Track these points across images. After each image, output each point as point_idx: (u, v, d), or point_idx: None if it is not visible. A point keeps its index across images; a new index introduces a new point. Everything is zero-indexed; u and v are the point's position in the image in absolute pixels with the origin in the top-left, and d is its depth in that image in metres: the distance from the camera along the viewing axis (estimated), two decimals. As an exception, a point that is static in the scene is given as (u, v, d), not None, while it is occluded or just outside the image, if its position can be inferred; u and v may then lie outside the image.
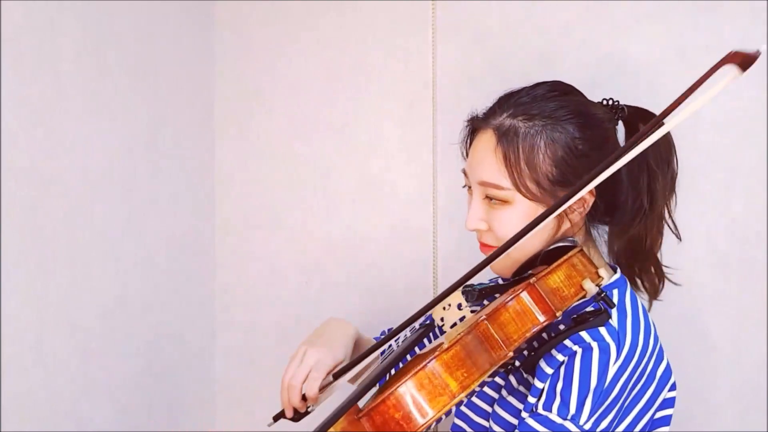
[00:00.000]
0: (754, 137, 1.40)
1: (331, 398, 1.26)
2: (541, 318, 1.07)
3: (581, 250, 1.17)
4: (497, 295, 1.21)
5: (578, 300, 1.13)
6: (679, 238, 1.31)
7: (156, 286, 1.69)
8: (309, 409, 1.25)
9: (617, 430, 1.11)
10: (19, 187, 1.37)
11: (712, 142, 1.42)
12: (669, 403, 1.19)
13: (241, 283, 1.84)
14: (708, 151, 1.43)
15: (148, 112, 1.66)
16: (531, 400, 1.11)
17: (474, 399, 1.25)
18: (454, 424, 1.28)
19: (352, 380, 1.27)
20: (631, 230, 1.24)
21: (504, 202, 1.17)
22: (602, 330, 1.09)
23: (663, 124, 1.01)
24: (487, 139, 1.19)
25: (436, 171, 1.64)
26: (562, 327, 1.13)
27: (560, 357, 1.10)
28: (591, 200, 1.19)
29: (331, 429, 1.02)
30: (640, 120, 1.25)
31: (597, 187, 1.17)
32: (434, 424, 1.05)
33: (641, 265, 1.28)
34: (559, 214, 1.17)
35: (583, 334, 1.09)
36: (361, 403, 1.05)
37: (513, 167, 1.15)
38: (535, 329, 1.06)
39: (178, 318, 1.76)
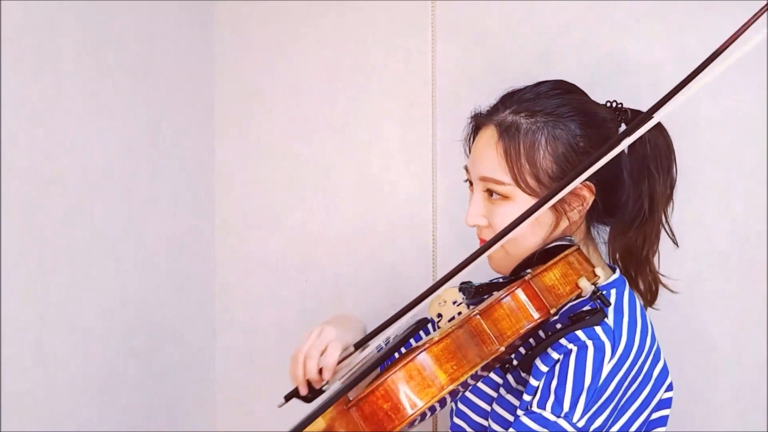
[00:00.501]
0: (754, 137, 1.40)
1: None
2: (536, 315, 1.07)
3: (578, 248, 1.17)
4: (491, 295, 1.21)
5: (573, 298, 1.13)
6: (676, 244, 1.31)
7: (156, 286, 1.69)
8: (324, 387, 1.23)
9: (612, 429, 1.12)
10: (19, 187, 1.37)
11: (712, 142, 1.43)
12: (666, 403, 1.19)
13: (241, 283, 1.84)
14: (708, 151, 1.43)
15: (148, 112, 1.66)
16: (526, 397, 1.12)
17: (473, 398, 1.25)
18: (454, 423, 1.29)
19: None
20: (630, 233, 1.24)
21: (504, 197, 1.17)
22: (598, 329, 1.10)
23: (652, 117, 1.01)
24: (489, 135, 1.20)
25: (436, 171, 1.64)
26: (558, 326, 1.13)
27: (555, 355, 1.10)
28: (590, 198, 1.19)
29: (320, 418, 1.02)
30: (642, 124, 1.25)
31: (597, 186, 1.18)
32: (429, 414, 1.05)
33: (637, 270, 1.28)
34: (557, 212, 1.17)
35: (579, 332, 1.10)
36: (351, 396, 1.05)
37: (513, 162, 1.16)
38: (529, 326, 1.07)
39: (178, 318, 1.76)
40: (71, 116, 1.47)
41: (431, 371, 1.01)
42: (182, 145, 1.75)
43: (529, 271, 1.15)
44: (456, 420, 1.28)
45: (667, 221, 1.28)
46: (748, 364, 1.42)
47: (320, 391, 1.22)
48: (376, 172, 1.70)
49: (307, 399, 1.23)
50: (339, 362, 1.20)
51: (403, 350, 1.30)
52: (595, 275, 1.15)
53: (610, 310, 1.13)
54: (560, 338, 1.10)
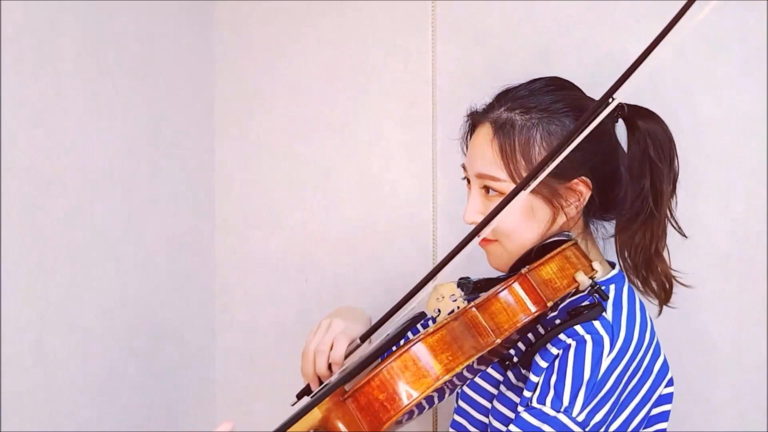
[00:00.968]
0: (754, 137, 1.40)
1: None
2: (533, 308, 1.08)
3: (575, 243, 1.18)
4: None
5: (572, 292, 1.14)
6: (684, 236, 1.31)
7: (156, 286, 1.69)
8: None
9: (613, 425, 1.12)
10: (19, 187, 1.37)
11: (712, 142, 1.42)
12: (666, 399, 1.20)
13: (241, 283, 1.84)
14: (708, 151, 1.43)
15: (148, 112, 1.66)
16: (526, 393, 1.12)
17: (474, 395, 1.25)
18: (454, 421, 1.29)
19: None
20: (634, 229, 1.25)
21: (501, 194, 1.18)
22: (596, 323, 1.11)
23: (613, 99, 1.02)
24: (484, 132, 1.21)
25: (436, 170, 1.64)
26: (557, 322, 1.14)
27: (555, 350, 1.11)
28: (587, 194, 1.20)
29: (315, 409, 1.02)
30: (640, 118, 1.26)
31: (593, 181, 1.18)
32: (428, 408, 1.05)
33: (648, 267, 1.28)
34: (554, 207, 1.18)
35: (577, 327, 1.10)
36: (348, 387, 1.05)
37: (509, 159, 1.17)
38: (526, 319, 1.07)
39: (178, 318, 1.76)
40: (71, 116, 1.47)
41: (426, 362, 1.01)
42: (182, 145, 1.75)
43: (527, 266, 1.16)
44: (456, 417, 1.28)
45: (672, 215, 1.28)
46: (748, 364, 1.42)
47: None
48: (376, 172, 1.69)
49: None
50: (346, 356, 1.22)
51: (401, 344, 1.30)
52: (593, 269, 1.16)
53: (609, 305, 1.14)
54: (559, 333, 1.11)
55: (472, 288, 1.20)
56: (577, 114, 1.19)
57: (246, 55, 1.80)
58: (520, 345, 1.22)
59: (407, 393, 1.00)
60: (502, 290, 1.08)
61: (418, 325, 1.36)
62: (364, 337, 1.23)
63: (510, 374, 1.21)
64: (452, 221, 1.63)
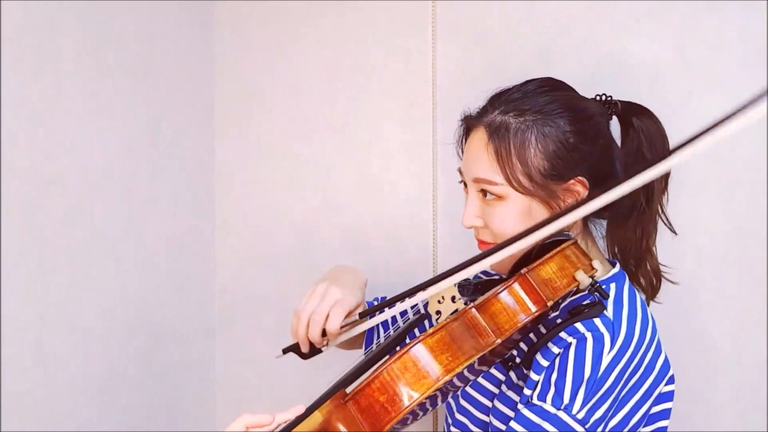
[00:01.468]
0: (754, 137, 1.40)
1: (318, 384, 1.25)
2: (533, 308, 1.08)
3: (575, 242, 1.18)
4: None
5: (573, 291, 1.14)
6: (674, 232, 1.32)
7: (156, 286, 1.69)
8: (323, 348, 1.24)
9: (612, 421, 1.12)
10: (19, 187, 1.37)
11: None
12: (667, 396, 1.20)
13: (241, 283, 1.84)
14: (708, 150, 1.43)
15: (148, 112, 1.66)
16: (527, 392, 1.13)
17: (475, 394, 1.26)
18: (456, 420, 1.29)
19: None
20: (628, 225, 1.25)
21: (498, 197, 1.18)
22: (597, 321, 1.11)
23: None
24: (479, 137, 1.20)
25: (436, 170, 1.64)
26: (558, 321, 1.14)
27: (556, 349, 1.11)
28: (584, 194, 1.20)
29: (317, 412, 1.02)
30: (634, 115, 1.26)
31: (590, 181, 1.18)
32: (431, 410, 1.05)
33: (638, 263, 1.29)
34: (551, 209, 1.18)
35: (578, 325, 1.11)
36: (348, 390, 1.05)
37: (505, 162, 1.16)
38: (526, 319, 1.07)
39: (178, 318, 1.76)
40: (71, 116, 1.47)
41: (426, 363, 1.01)
42: (182, 145, 1.75)
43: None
44: (458, 416, 1.29)
45: (663, 211, 1.28)
46: (748, 364, 1.42)
47: (318, 351, 1.25)
48: (376, 172, 1.69)
49: (305, 356, 1.25)
50: (342, 327, 1.22)
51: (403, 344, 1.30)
52: (593, 268, 1.16)
53: (610, 303, 1.14)
54: (560, 332, 1.11)
55: (472, 289, 1.20)
56: (571, 114, 1.18)
57: (246, 55, 1.80)
58: (522, 345, 1.22)
59: (408, 394, 1.00)
60: (502, 291, 1.08)
61: (419, 327, 1.36)
62: (364, 314, 1.23)
63: (512, 374, 1.21)
64: (452, 221, 1.63)
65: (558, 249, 1.14)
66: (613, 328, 1.11)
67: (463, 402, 1.28)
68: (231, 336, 1.85)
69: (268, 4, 1.77)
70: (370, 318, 1.25)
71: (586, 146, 1.18)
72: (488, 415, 1.22)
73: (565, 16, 1.51)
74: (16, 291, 1.37)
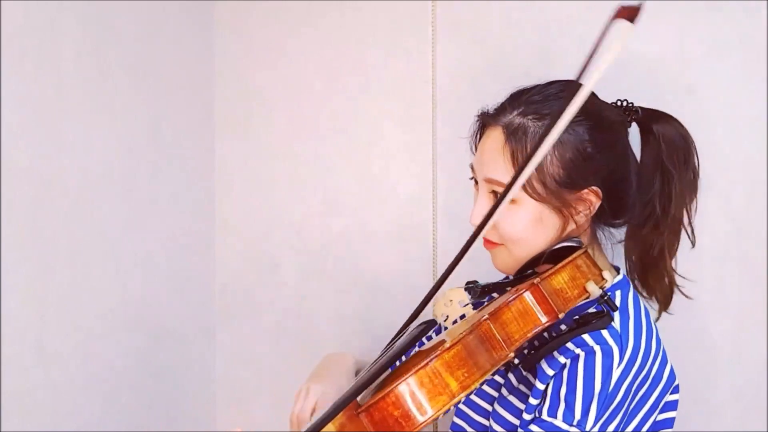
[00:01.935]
0: (754, 137, 1.40)
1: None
2: (543, 318, 1.07)
3: (586, 251, 1.17)
4: (495, 295, 1.21)
5: (581, 301, 1.12)
6: (693, 244, 1.29)
7: (156, 286, 1.69)
8: None
9: None
10: (19, 187, 1.37)
11: (713, 142, 1.42)
12: (672, 405, 1.19)
13: (241, 283, 1.83)
14: (708, 150, 1.43)
15: (149, 112, 1.66)
16: (532, 401, 1.11)
17: (474, 398, 1.25)
18: (454, 423, 1.28)
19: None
20: (643, 234, 1.23)
21: (510, 201, 1.17)
22: (605, 333, 1.09)
23: (581, 85, 0.99)
24: (495, 137, 1.18)
25: (436, 170, 1.64)
26: (564, 327, 1.13)
27: (562, 359, 1.09)
28: (597, 202, 1.18)
29: (330, 425, 1.02)
30: (654, 121, 1.24)
31: (603, 189, 1.17)
32: (433, 422, 1.05)
33: (653, 273, 1.27)
34: (564, 216, 1.16)
35: (586, 337, 1.09)
36: (361, 401, 1.05)
37: (520, 167, 1.15)
38: (536, 330, 1.06)
39: (178, 318, 1.76)
40: (71, 116, 1.47)
41: (442, 379, 1.00)
42: (182, 145, 1.75)
43: (534, 271, 1.15)
44: (456, 420, 1.28)
45: (690, 220, 1.25)
46: (748, 364, 1.42)
47: None
48: (376, 172, 1.69)
49: None
50: None
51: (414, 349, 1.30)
52: (603, 279, 1.14)
53: (616, 313, 1.12)
54: (567, 341, 1.09)
55: (479, 292, 1.19)
56: (590, 122, 1.16)
57: (246, 55, 1.80)
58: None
59: (423, 410, 1.00)
60: (513, 299, 1.07)
61: (430, 333, 1.35)
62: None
63: (511, 377, 1.20)
64: (452, 221, 1.63)
65: (570, 259, 1.13)
66: (621, 340, 1.09)
67: (461, 406, 1.27)
68: (231, 336, 1.85)
69: (268, 4, 1.77)
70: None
71: (602, 156, 1.16)
72: (488, 419, 1.22)
73: (565, 16, 1.50)
74: (16, 291, 1.36)
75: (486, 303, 1.23)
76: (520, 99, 1.19)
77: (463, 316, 1.15)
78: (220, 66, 1.83)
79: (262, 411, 1.81)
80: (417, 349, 1.33)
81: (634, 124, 1.27)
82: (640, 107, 1.25)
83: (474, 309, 1.16)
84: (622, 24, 0.92)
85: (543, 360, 1.11)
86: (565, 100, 0.99)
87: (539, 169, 1.14)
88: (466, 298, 1.12)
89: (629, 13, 0.92)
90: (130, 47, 1.60)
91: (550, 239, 1.18)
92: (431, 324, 1.20)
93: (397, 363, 1.23)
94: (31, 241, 1.39)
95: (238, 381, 1.85)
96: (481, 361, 1.03)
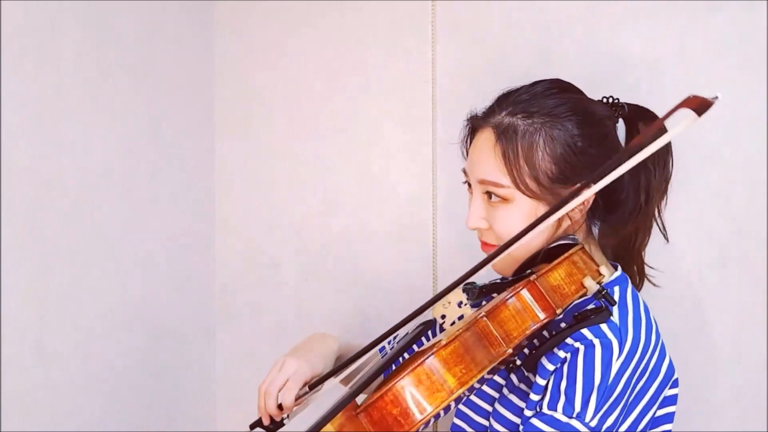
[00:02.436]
0: (754, 137, 1.40)
1: (329, 395, 1.26)
2: (542, 315, 1.07)
3: (582, 247, 1.17)
4: (495, 295, 1.21)
5: (579, 298, 1.13)
6: (667, 239, 1.32)
7: (156, 286, 1.69)
8: (284, 420, 1.25)
9: (622, 427, 1.12)
10: (19, 187, 1.37)
11: (712, 142, 1.42)
12: (671, 400, 1.19)
13: (241, 283, 1.84)
14: (708, 151, 1.43)
15: (148, 112, 1.66)
16: (533, 397, 1.12)
17: (474, 398, 1.25)
18: (454, 424, 1.28)
19: (345, 381, 1.27)
20: (626, 228, 1.25)
21: (504, 200, 1.17)
22: (604, 326, 1.10)
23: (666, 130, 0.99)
24: (486, 138, 1.19)
25: (436, 170, 1.64)
26: (563, 325, 1.13)
27: (562, 354, 1.10)
28: (592, 198, 1.19)
29: (329, 425, 1.02)
30: (640, 118, 1.26)
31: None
32: (433, 421, 1.05)
33: (625, 263, 1.28)
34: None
35: (585, 331, 1.09)
36: (359, 400, 1.05)
37: (512, 165, 1.15)
38: (535, 327, 1.07)
39: (178, 318, 1.76)
40: (71, 116, 1.47)
41: (440, 375, 1.00)
42: (182, 145, 1.75)
43: (533, 271, 1.15)
44: (456, 421, 1.28)
45: (659, 215, 1.28)
46: (748, 364, 1.42)
47: (281, 423, 1.26)
48: (376, 172, 1.69)
49: (270, 429, 1.27)
50: (297, 399, 1.22)
51: (406, 355, 1.30)
52: (600, 274, 1.15)
53: (615, 307, 1.13)
54: (566, 337, 1.10)
55: (477, 293, 1.20)
56: (579, 117, 1.17)
57: (246, 55, 1.80)
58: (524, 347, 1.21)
59: (421, 408, 1.00)
60: (511, 297, 1.07)
61: (425, 335, 1.35)
62: (312, 386, 1.23)
63: (513, 377, 1.20)
64: (452, 221, 1.63)
65: (566, 255, 1.13)
66: (620, 333, 1.10)
67: (461, 406, 1.27)
68: (231, 336, 1.85)
69: (268, 4, 1.77)
70: (319, 388, 1.23)
71: (593, 150, 1.17)
72: (488, 419, 1.22)
73: (565, 16, 1.51)
74: (16, 291, 1.37)
75: (484, 304, 1.23)
76: (508, 99, 1.20)
77: (461, 317, 1.15)
78: (220, 66, 1.83)
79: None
80: (416, 349, 1.33)
81: (621, 121, 1.28)
82: (627, 103, 1.26)
83: (472, 310, 1.16)
84: (688, 113, 0.92)
85: (543, 356, 1.12)
86: (639, 144, 0.99)
87: (531, 165, 1.15)
88: (464, 299, 1.12)
89: (698, 106, 0.91)
90: (130, 47, 1.60)
91: (547, 236, 1.18)
92: (428, 324, 1.20)
93: (397, 364, 1.24)
94: (31, 241, 1.39)
95: (238, 381, 1.85)
96: (479, 357, 1.03)
